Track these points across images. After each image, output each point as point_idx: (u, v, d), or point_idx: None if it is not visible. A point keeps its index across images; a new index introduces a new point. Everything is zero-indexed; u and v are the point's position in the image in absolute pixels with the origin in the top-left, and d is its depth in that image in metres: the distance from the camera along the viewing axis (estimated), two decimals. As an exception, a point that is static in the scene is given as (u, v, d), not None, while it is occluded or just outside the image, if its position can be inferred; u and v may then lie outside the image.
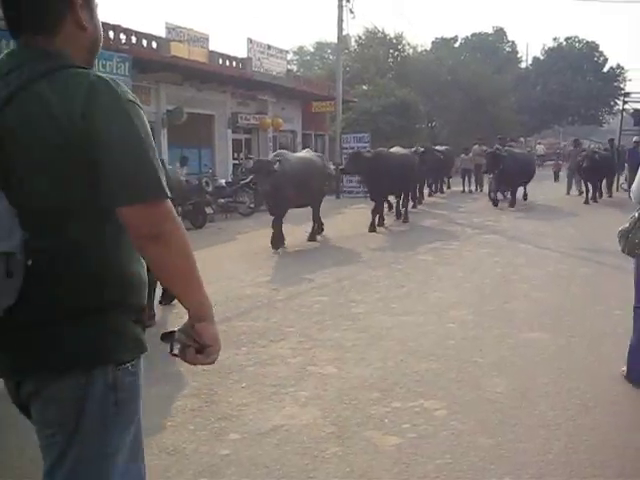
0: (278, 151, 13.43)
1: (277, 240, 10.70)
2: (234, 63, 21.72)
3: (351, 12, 22.66)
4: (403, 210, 14.82)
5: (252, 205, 18.59)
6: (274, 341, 5.57)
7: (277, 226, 10.75)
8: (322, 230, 12.50)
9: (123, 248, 1.78)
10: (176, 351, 1.80)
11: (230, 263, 9.65)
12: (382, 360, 5.01)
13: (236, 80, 21.88)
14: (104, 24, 16.69)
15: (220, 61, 21.05)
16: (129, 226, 1.69)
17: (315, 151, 28.61)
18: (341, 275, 8.59)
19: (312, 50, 55.75)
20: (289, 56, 57.42)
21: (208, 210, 15.68)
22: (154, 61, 18.04)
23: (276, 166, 10.39)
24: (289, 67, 29.46)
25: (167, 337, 1.81)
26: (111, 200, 1.67)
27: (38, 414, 1.79)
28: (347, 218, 16.23)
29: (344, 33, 23.38)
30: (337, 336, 5.67)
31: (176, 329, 1.81)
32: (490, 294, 7.41)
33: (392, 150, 14.98)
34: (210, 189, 15.88)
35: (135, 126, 1.67)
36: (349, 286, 7.87)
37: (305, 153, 13.23)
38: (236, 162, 23.07)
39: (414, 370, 4.77)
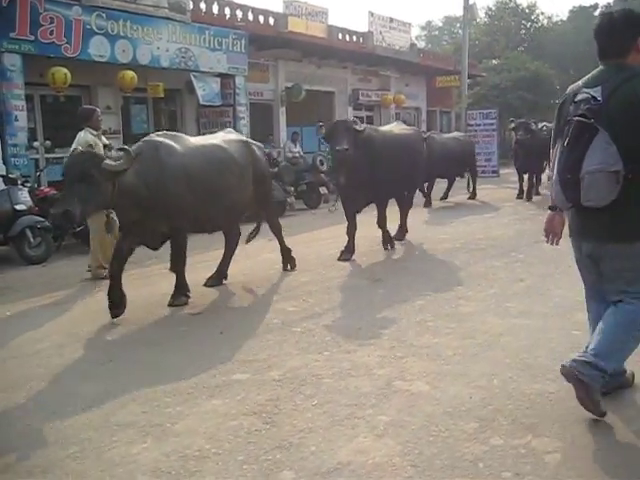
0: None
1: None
2: (354, 38, 20.94)
3: (479, -21, 21.18)
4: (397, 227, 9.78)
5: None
6: (362, 345, 4.83)
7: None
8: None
9: None
10: None
11: (333, 249, 8.96)
12: (487, 376, 4.15)
13: (357, 55, 21.17)
14: (220, 1, 16.60)
15: (340, 36, 20.35)
16: None
17: (440, 129, 27.70)
18: (453, 265, 7.70)
19: (440, 25, 53.78)
20: (416, 32, 55.85)
21: (323, 190, 15.10)
22: (271, 37, 17.65)
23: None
24: (415, 42, 28.15)
25: None
26: None
27: (610, 262, 3.46)
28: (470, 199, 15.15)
29: (470, 2, 21.95)
30: (436, 342, 4.85)
31: None
32: (627, 293, 6.28)
33: (386, 128, 9.74)
34: (324, 168, 15.24)
35: None
36: (461, 279, 6.97)
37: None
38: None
39: (524, 393, 3.88)
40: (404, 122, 11.66)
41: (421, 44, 50.00)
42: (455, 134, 16.83)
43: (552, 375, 4.12)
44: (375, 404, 3.76)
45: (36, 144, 13.33)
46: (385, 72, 23.20)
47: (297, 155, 16.68)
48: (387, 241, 8.93)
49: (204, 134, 16.80)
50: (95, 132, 7.76)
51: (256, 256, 8.45)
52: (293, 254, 7.78)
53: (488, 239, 9.37)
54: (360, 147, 7.92)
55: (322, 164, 15.26)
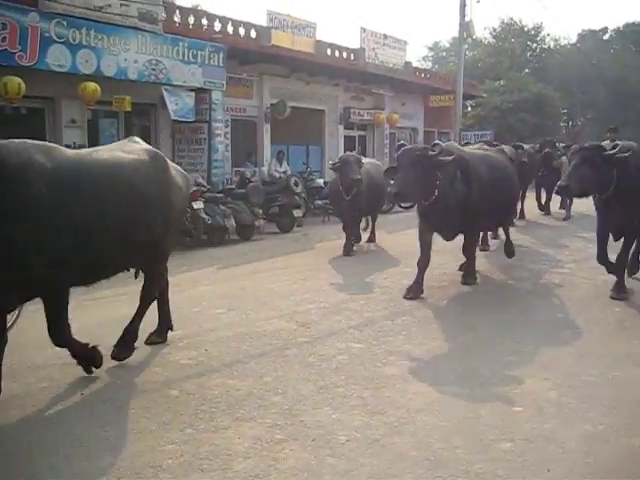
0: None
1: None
2: (344, 54, 20.04)
3: (475, -4, 20.35)
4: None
5: (353, 208, 16.93)
6: (240, 420, 3.82)
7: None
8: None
9: None
10: None
11: (280, 282, 7.98)
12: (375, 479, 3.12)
13: (347, 72, 20.26)
14: (197, 11, 15.76)
15: (329, 51, 19.44)
16: None
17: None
18: (401, 307, 6.66)
19: (447, 45, 52.81)
20: (424, 52, 55.10)
21: (297, 213, 14.14)
22: (252, 51, 16.81)
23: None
24: (417, 61, 27.23)
25: None
26: None
27: None
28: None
29: (467, 19, 21.04)
30: (334, 420, 3.83)
31: None
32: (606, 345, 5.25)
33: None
34: (299, 189, 14.28)
35: None
36: (402, 325, 5.94)
37: None
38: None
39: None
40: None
41: (428, 64, 49.15)
42: (370, 160, 12.59)
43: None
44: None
45: (-8, 158, 12.53)
46: (378, 90, 22.28)
47: (282, 175, 15.79)
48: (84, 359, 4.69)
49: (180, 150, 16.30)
50: None
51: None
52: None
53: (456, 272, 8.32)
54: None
55: (297, 185, 14.29)
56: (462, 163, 7.09)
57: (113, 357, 4.85)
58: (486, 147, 9.16)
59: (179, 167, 5.50)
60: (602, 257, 6.99)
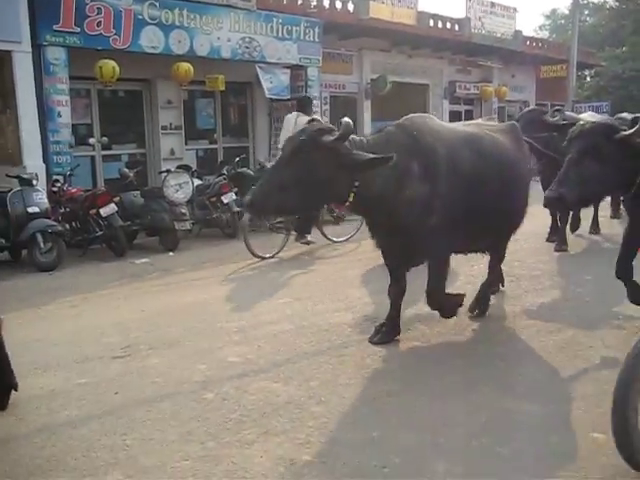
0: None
1: None
2: (448, 24, 19.09)
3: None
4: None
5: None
6: (271, 433, 3.41)
7: None
8: None
9: None
10: None
11: (360, 268, 7.56)
12: None
13: (452, 44, 19.34)
14: (292, -12, 15.37)
15: (431, 22, 18.58)
16: None
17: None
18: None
19: (566, 12, 49.75)
20: (540, 21, 52.20)
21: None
22: (350, 25, 16.28)
23: None
24: (533, 30, 25.65)
25: None
26: None
27: None
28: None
29: (582, -20, 19.50)
30: (372, 439, 3.36)
31: None
32: None
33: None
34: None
35: None
36: (473, 322, 5.35)
37: None
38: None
39: None
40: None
41: (545, 34, 46.67)
42: None
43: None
44: None
45: (92, 141, 12.82)
46: (486, 62, 21.16)
47: (378, 153, 15.28)
48: None
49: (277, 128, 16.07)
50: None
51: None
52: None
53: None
54: None
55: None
56: (421, 149, 4.44)
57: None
58: (487, 123, 5.74)
59: None
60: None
